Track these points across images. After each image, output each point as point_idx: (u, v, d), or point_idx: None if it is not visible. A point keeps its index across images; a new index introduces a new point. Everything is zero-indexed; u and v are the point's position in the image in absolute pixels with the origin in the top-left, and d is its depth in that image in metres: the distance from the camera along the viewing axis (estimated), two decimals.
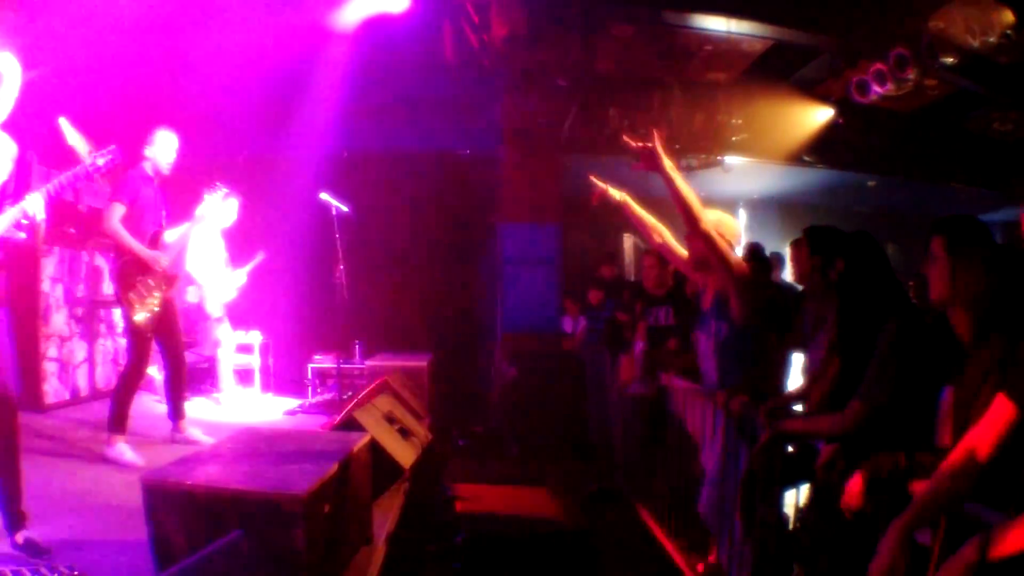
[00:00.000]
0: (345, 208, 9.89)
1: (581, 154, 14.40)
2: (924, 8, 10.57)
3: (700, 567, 7.02)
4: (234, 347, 11.62)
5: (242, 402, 11.21)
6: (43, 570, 4.36)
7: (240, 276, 11.40)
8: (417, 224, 14.33)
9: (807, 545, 5.07)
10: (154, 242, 7.82)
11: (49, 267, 10.05)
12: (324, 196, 9.85)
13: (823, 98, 13.77)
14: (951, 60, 10.66)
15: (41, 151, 9.39)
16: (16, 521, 4.96)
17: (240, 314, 12.23)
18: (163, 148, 7.89)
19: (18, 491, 5.01)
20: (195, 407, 10.92)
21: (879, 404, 4.41)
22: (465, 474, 10.08)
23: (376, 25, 11.69)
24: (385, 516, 5.86)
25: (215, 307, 11.18)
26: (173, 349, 8.21)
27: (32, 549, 4.86)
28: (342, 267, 9.75)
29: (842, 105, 13.52)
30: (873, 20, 11.29)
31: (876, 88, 11.75)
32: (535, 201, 14.07)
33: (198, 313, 11.26)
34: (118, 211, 7.54)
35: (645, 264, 10.13)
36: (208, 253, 11.06)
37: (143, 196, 7.73)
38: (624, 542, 8.48)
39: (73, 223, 10.63)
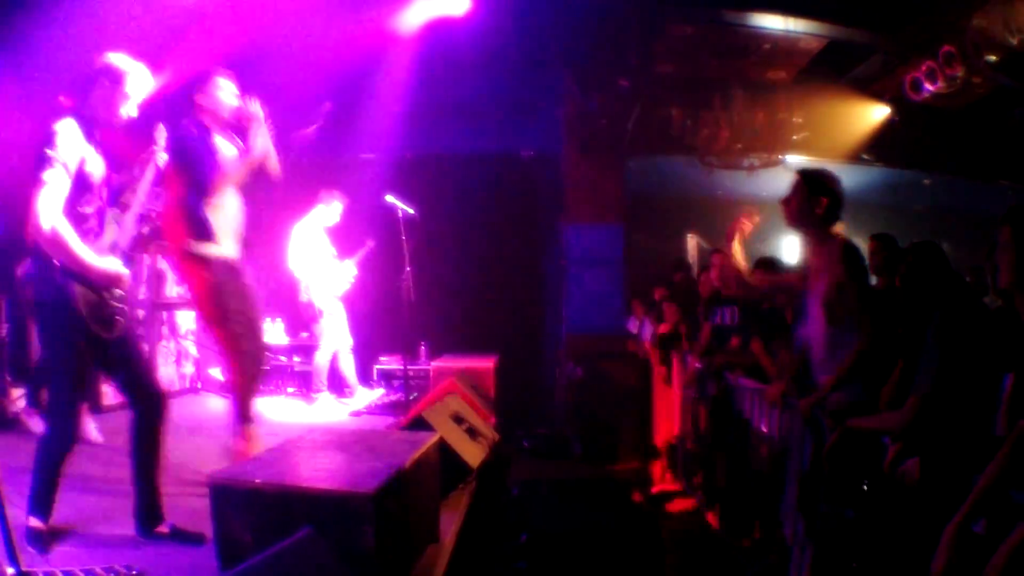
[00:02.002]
0: (411, 210, 9.88)
1: (644, 154, 14.40)
2: (968, 6, 10.55)
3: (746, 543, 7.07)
4: (349, 345, 11.67)
5: (307, 403, 11.26)
6: (98, 570, 4.32)
7: (350, 267, 11.47)
8: (481, 225, 14.33)
9: (866, 542, 5.08)
10: None
11: None
12: (390, 198, 9.85)
13: (878, 96, 13.71)
14: (993, 58, 10.63)
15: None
16: (155, 519, 5.15)
17: (305, 316, 12.31)
18: None
19: (158, 490, 5.22)
20: (264, 406, 11.02)
21: (931, 395, 4.44)
22: (531, 473, 10.13)
23: (438, 28, 11.76)
24: (452, 515, 5.84)
25: (323, 300, 11.23)
26: None
27: (181, 536, 5.06)
28: (408, 269, 9.74)
29: (897, 103, 13.47)
30: (923, 18, 11.32)
31: (928, 86, 11.75)
32: (599, 202, 14.08)
33: (310, 309, 11.31)
34: None
35: (713, 262, 10.13)
36: (311, 250, 11.17)
37: None
38: (686, 540, 8.46)
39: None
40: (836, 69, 13.60)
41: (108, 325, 4.92)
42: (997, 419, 4.06)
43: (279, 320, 12.78)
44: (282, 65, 11.44)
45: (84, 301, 4.84)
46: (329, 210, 11.34)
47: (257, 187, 7.33)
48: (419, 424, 6.31)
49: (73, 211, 4.84)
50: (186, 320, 12.23)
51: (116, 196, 5.36)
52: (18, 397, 8.46)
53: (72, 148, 4.81)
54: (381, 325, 12.82)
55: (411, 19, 11.87)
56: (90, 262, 4.81)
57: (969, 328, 4.54)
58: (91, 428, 8.16)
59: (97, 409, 8.68)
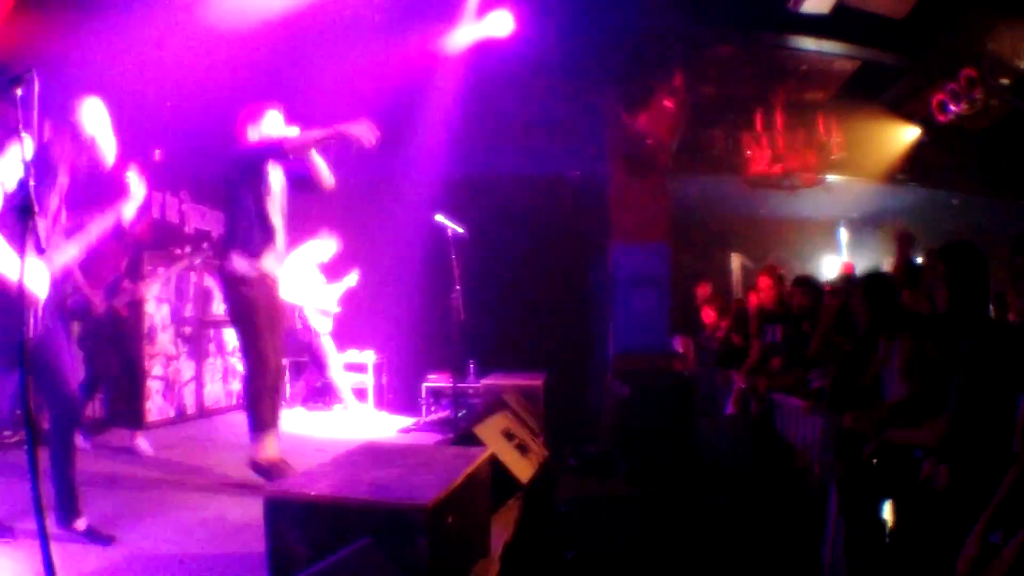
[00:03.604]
0: (461, 230, 9.93)
1: (688, 174, 14.45)
2: (981, 31, 10.73)
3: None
4: (341, 364, 11.84)
5: (356, 420, 11.34)
6: None
7: (338, 289, 11.58)
8: (529, 244, 14.38)
9: (899, 555, 5.18)
10: None
11: (154, 288, 10.30)
12: (439, 218, 9.90)
13: (909, 117, 13.74)
14: (1006, 81, 10.71)
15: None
16: (72, 512, 5.30)
17: (354, 333, 12.41)
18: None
19: (74, 486, 5.35)
20: (312, 423, 11.10)
21: (961, 413, 4.66)
22: (577, 491, 10.16)
23: (486, 50, 11.85)
24: (501, 530, 5.86)
25: (320, 323, 11.36)
26: None
27: (93, 536, 5.24)
28: (458, 288, 9.77)
29: (926, 124, 13.48)
30: (943, 42, 11.43)
31: (952, 107, 11.85)
32: (644, 222, 14.09)
33: (305, 332, 11.40)
34: None
35: (761, 284, 10.23)
36: (303, 278, 11.34)
37: None
38: (729, 560, 8.46)
39: (180, 246, 10.87)
40: (870, 90, 13.67)
41: (22, 330, 5.04)
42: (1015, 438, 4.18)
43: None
44: (332, 86, 11.56)
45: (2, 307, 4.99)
46: (323, 247, 11.47)
47: (314, 201, 7.61)
48: (470, 439, 6.35)
49: (8, 219, 4.99)
50: (233, 338, 12.35)
51: (71, 216, 5.59)
52: None
53: (12, 165, 4.95)
54: (428, 343, 12.91)
55: (458, 40, 11.97)
56: (4, 269, 4.98)
57: (998, 350, 4.65)
58: (142, 442, 8.34)
59: (139, 424, 8.80)
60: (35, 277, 5.12)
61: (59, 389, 5.33)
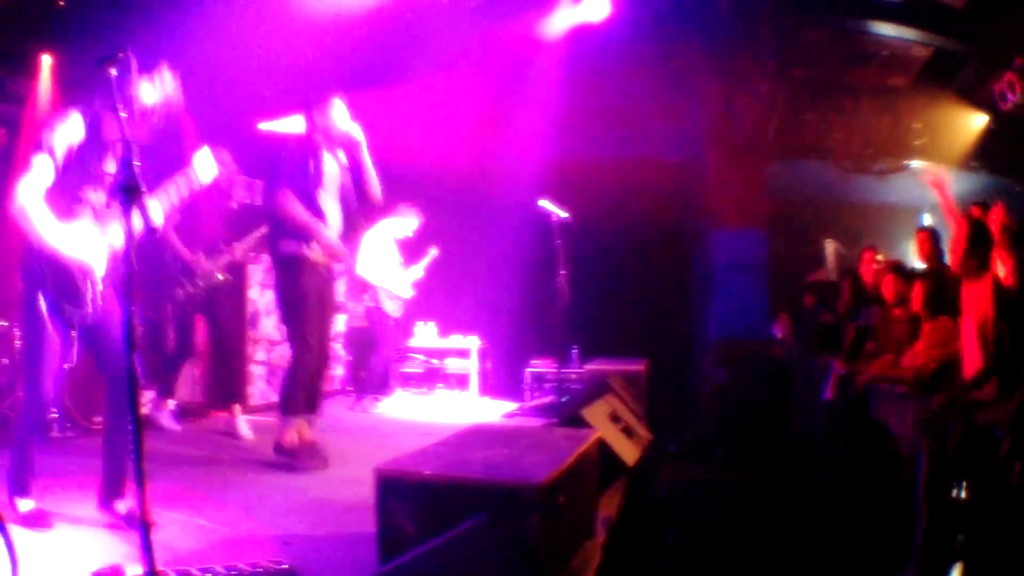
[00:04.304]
0: (565, 214, 9.95)
1: (782, 159, 14.39)
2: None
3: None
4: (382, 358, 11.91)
5: (460, 405, 11.43)
6: (242, 566, 4.34)
7: (414, 273, 11.62)
8: (628, 229, 14.38)
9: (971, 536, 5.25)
10: None
11: (257, 274, 10.49)
12: (543, 203, 9.93)
13: (979, 104, 13.62)
14: None
15: (241, 161, 9.76)
16: (114, 494, 5.24)
17: (458, 319, 12.50)
18: None
19: (123, 467, 5.26)
20: (415, 407, 11.22)
21: None
22: (676, 476, 10.18)
23: (583, 35, 11.90)
24: (607, 511, 5.90)
25: (395, 308, 11.40)
26: None
27: (132, 520, 5.00)
28: (563, 272, 9.80)
29: (992, 111, 13.35)
30: (1000, 31, 11.60)
31: (1010, 96, 11.73)
32: (741, 207, 14.03)
33: (378, 315, 11.50)
34: None
35: (865, 258, 10.27)
36: (381, 258, 11.38)
37: None
38: (820, 548, 8.43)
39: None
40: (946, 77, 13.64)
41: (77, 302, 5.06)
42: None
43: (432, 323, 12.99)
44: (432, 73, 11.68)
45: (54, 278, 5.01)
46: (403, 222, 11.45)
47: (361, 207, 7.80)
48: (577, 422, 6.40)
49: (67, 194, 5.06)
50: (338, 323, 12.48)
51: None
52: (148, 400, 8.70)
53: (66, 138, 5.02)
54: (532, 329, 12.96)
55: (555, 25, 12.04)
56: (55, 242, 4.96)
57: None
58: (243, 426, 8.49)
59: (241, 408, 8.95)
60: (92, 251, 5.12)
61: (113, 365, 5.24)
